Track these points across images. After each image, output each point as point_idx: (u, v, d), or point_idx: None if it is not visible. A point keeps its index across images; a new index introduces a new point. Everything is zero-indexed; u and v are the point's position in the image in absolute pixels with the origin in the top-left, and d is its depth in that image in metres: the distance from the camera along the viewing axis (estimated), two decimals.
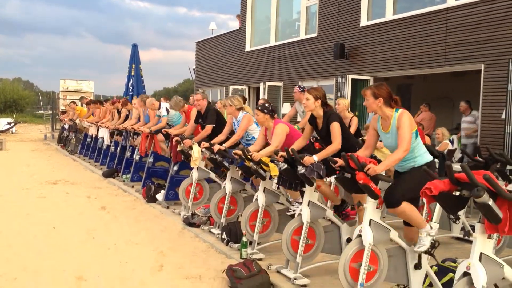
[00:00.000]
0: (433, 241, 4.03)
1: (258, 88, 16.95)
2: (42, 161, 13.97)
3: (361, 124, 9.90)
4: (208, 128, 7.37)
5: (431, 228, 4.08)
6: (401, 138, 3.97)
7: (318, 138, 6.82)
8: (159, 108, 9.47)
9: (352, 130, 7.20)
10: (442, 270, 4.27)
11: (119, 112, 12.14)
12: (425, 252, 4.01)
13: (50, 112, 27.00)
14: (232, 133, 7.02)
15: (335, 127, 4.97)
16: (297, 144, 5.32)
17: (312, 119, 5.29)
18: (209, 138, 7.14)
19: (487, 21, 9.42)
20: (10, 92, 45.23)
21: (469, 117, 10.15)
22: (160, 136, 9.13)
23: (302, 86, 8.86)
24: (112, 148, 11.52)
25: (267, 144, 5.90)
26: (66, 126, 17.13)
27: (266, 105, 5.93)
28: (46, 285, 4.55)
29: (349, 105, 8.25)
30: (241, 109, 6.96)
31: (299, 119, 9.73)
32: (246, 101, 7.70)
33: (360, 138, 6.81)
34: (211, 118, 7.44)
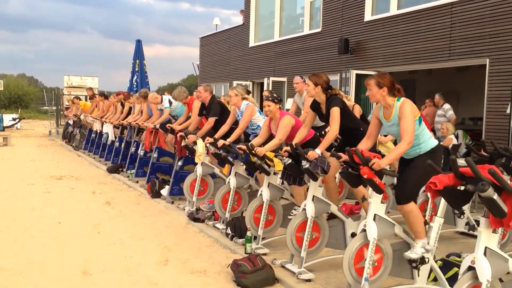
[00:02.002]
0: (423, 256, 3.94)
1: (262, 84, 16.93)
2: (47, 156, 14.03)
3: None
4: (211, 120, 7.35)
5: (428, 243, 4.01)
6: (404, 130, 3.94)
7: (323, 133, 6.84)
8: (161, 102, 9.47)
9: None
10: (447, 265, 4.27)
11: (122, 105, 12.16)
12: (410, 262, 3.94)
13: (54, 108, 27.07)
14: (236, 123, 7.00)
15: (334, 112, 4.96)
16: (299, 135, 5.31)
17: (315, 105, 5.27)
18: (213, 130, 7.14)
19: (492, 15, 9.37)
20: (15, 88, 45.35)
21: (440, 110, 10.19)
22: (169, 137, 9.15)
23: (303, 76, 8.72)
24: (117, 144, 11.56)
25: (271, 136, 5.89)
26: (71, 122, 17.20)
27: (275, 95, 5.93)
28: (52, 279, 4.58)
29: (343, 95, 8.13)
30: (245, 98, 6.94)
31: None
32: (250, 94, 7.64)
33: None
34: (215, 110, 7.41)
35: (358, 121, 5.54)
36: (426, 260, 3.96)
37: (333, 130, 4.92)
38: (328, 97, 5.13)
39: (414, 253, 3.95)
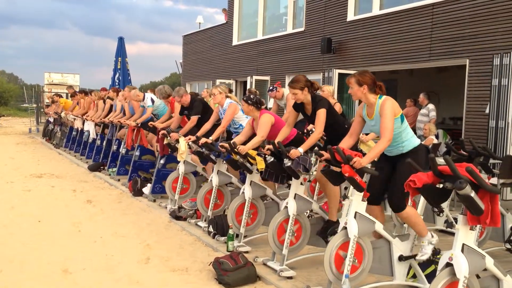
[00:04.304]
0: (434, 249, 4.07)
1: (245, 82, 16.94)
2: (27, 154, 13.83)
3: (349, 117, 9.97)
4: (194, 119, 7.34)
5: (432, 236, 4.11)
6: (383, 128, 3.98)
7: (305, 132, 6.88)
8: (143, 99, 9.41)
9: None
10: (426, 262, 4.33)
11: (105, 102, 12.02)
12: (427, 260, 4.06)
13: (34, 105, 26.68)
14: (219, 121, 7.00)
15: (320, 114, 4.97)
16: (282, 133, 5.31)
17: (297, 105, 5.27)
18: (196, 128, 7.12)
19: (472, 16, 9.52)
20: None
21: (424, 109, 10.32)
22: (150, 136, 9.11)
23: (270, 86, 9.00)
24: (98, 142, 11.45)
25: (254, 135, 5.90)
26: (51, 119, 16.97)
27: (251, 96, 5.93)
28: (32, 277, 4.53)
29: (334, 92, 8.34)
30: (228, 96, 6.96)
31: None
32: (232, 92, 7.73)
33: None
34: (197, 109, 7.41)
35: (343, 119, 5.60)
36: (438, 250, 4.09)
37: (317, 132, 4.95)
38: (313, 97, 5.14)
39: (425, 254, 4.05)
